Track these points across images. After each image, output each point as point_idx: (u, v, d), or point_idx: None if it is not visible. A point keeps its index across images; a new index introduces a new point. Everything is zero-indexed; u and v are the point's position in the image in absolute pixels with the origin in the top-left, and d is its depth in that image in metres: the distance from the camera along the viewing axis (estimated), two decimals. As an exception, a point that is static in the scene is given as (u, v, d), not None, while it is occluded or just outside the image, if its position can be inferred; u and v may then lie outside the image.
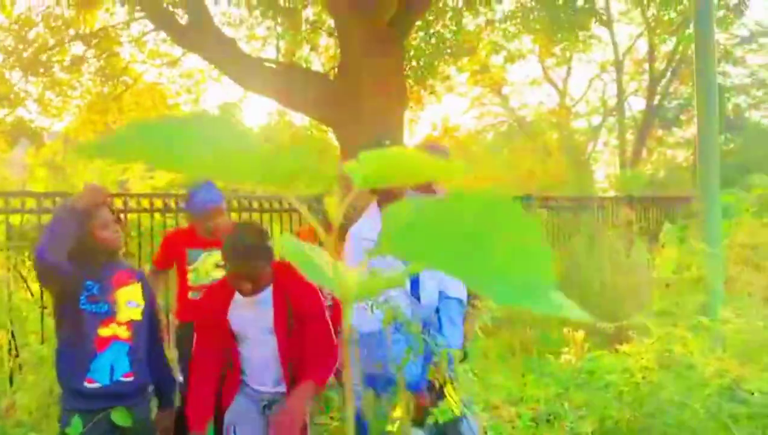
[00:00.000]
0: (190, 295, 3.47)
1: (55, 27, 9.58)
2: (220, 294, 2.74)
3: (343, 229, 2.99)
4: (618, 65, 19.25)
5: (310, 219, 0.44)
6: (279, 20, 10.12)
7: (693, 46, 5.84)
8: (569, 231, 7.93)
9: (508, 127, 21.38)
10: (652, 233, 8.04)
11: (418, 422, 2.59)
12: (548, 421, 3.35)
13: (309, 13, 10.06)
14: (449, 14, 9.61)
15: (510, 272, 0.34)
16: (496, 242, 0.34)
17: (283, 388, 2.74)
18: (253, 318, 2.69)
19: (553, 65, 19.32)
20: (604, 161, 22.40)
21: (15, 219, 4.78)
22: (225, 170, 0.41)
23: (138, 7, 8.57)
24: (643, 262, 6.33)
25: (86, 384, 2.49)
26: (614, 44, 18.84)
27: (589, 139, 21.17)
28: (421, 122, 25.74)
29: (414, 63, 9.92)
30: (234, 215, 6.12)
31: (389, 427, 2.58)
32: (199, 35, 7.89)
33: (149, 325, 2.70)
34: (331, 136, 10.67)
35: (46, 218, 4.62)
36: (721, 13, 11.60)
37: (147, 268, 4.15)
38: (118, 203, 5.97)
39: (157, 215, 6.05)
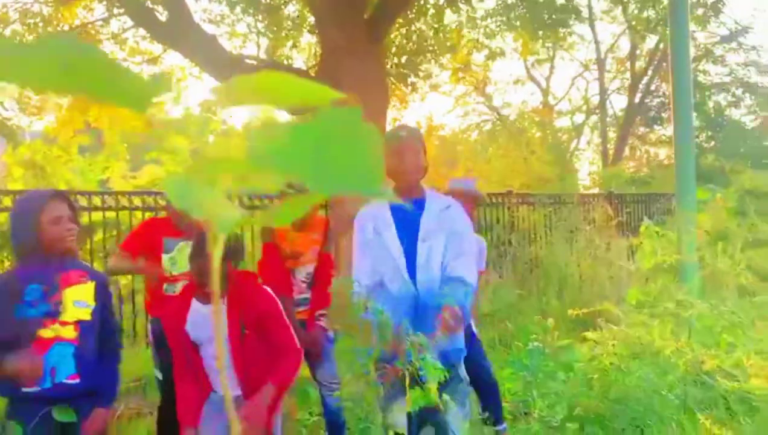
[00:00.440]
0: (165, 287, 3.48)
1: (32, 24, 9.47)
2: (178, 305, 2.75)
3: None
4: (600, 64, 19.39)
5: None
6: (260, 17, 10.08)
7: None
8: (550, 226, 7.99)
9: (492, 125, 21.46)
10: (632, 229, 8.12)
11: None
12: (526, 413, 3.38)
13: (291, 10, 10.04)
14: (431, 11, 9.63)
15: (351, 167, 0.40)
16: (342, 147, 0.40)
17: (238, 392, 2.76)
18: (207, 325, 2.70)
19: (536, 63, 19.41)
20: (587, 159, 22.57)
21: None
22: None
23: (117, 4, 8.51)
24: (621, 256, 6.40)
25: (25, 388, 2.34)
26: (596, 43, 18.99)
27: (571, 137, 21.31)
28: (405, 121, 25.72)
29: (396, 61, 9.93)
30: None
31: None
32: (179, 32, 7.84)
33: (101, 327, 2.58)
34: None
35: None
36: (700, 11, 11.73)
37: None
38: (98, 202, 5.96)
39: (137, 213, 6.04)
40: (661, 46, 16.56)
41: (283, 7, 9.74)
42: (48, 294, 2.41)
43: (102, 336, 2.59)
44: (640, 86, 18.53)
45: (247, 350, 2.73)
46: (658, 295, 2.70)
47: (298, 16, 10.00)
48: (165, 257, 3.49)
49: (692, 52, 17.16)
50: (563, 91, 21.57)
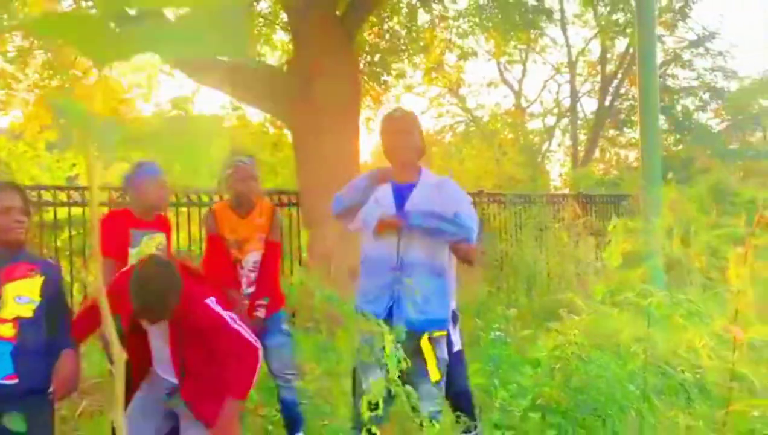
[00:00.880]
0: None
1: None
2: (123, 286, 2.62)
3: None
4: (572, 67, 19.62)
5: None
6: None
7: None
8: (520, 224, 8.07)
9: (466, 127, 21.58)
10: (600, 228, 8.24)
11: None
12: (501, 408, 3.40)
13: (263, 6, 9.97)
14: (404, 10, 9.65)
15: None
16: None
17: (175, 381, 2.75)
18: (156, 329, 2.69)
19: (508, 63, 19.56)
20: (558, 161, 22.81)
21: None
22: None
23: (85, -4, 8.37)
24: (589, 254, 6.49)
25: None
26: (568, 46, 19.20)
27: (543, 139, 21.52)
28: (379, 122, 25.68)
29: (369, 59, 9.93)
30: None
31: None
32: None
33: (48, 323, 2.48)
34: (287, 133, 10.60)
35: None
36: (669, 16, 11.95)
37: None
38: (64, 197, 5.85)
39: (104, 209, 5.93)
40: (631, 50, 16.82)
41: (255, 3, 9.67)
42: None
43: (51, 332, 2.48)
44: (610, 89, 18.79)
45: (187, 351, 2.69)
46: (621, 286, 2.74)
47: (270, 13, 9.94)
48: (132, 252, 3.42)
49: (661, 56, 17.48)
50: (535, 94, 21.77)
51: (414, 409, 2.20)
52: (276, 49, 10.81)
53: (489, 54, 15.21)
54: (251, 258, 3.67)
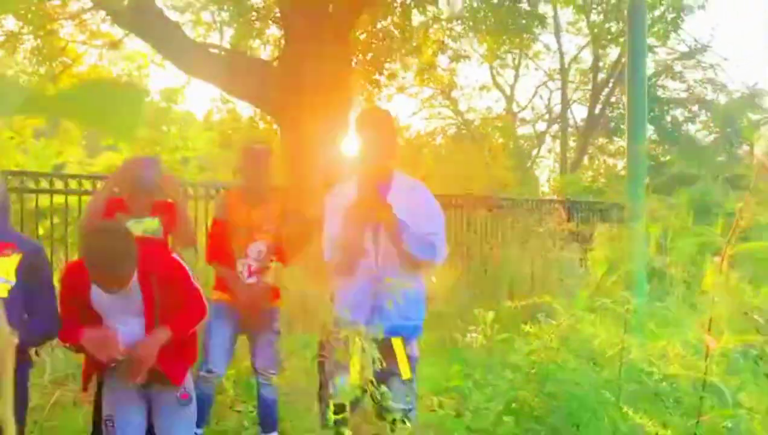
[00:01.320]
0: None
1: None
2: (79, 277, 2.57)
3: None
4: (564, 74, 19.70)
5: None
6: (225, 7, 9.95)
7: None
8: (506, 229, 8.08)
9: (456, 129, 21.61)
10: (586, 235, 8.27)
11: None
12: (475, 410, 3.39)
13: (257, 0, 9.92)
14: (397, 10, 9.64)
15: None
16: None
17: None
18: (118, 305, 2.60)
19: (499, 67, 19.62)
20: (547, 167, 22.90)
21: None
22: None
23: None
24: (573, 259, 6.51)
25: None
26: (561, 53, 19.29)
27: (533, 144, 21.60)
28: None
29: (361, 57, 9.91)
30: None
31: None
32: (142, 17, 7.67)
33: (26, 304, 2.43)
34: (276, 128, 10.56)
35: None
36: (661, 26, 12.02)
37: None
38: (46, 185, 5.78)
39: (87, 199, 5.86)
40: (623, 59, 16.89)
41: (249, -3, 9.64)
42: None
43: (31, 313, 2.45)
44: (601, 97, 18.88)
45: (161, 321, 2.66)
46: (602, 292, 2.74)
47: (263, 7, 9.89)
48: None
49: (652, 67, 17.58)
50: (527, 99, 21.84)
51: (386, 408, 2.19)
52: (268, 43, 10.76)
53: (482, 58, 15.24)
54: (256, 247, 3.66)
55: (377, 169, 2.85)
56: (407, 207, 2.77)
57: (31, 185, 5.70)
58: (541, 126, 21.72)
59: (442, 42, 11.18)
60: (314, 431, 2.28)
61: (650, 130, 17.21)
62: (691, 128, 19.92)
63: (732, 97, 19.18)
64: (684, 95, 19.56)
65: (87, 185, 5.94)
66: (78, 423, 3.87)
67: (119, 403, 2.72)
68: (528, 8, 9.43)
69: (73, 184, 5.96)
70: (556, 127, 21.36)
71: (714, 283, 1.68)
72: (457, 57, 11.57)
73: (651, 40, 13.87)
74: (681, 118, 19.80)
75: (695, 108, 19.65)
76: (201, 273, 4.02)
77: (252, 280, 3.65)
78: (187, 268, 2.75)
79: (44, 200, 6.03)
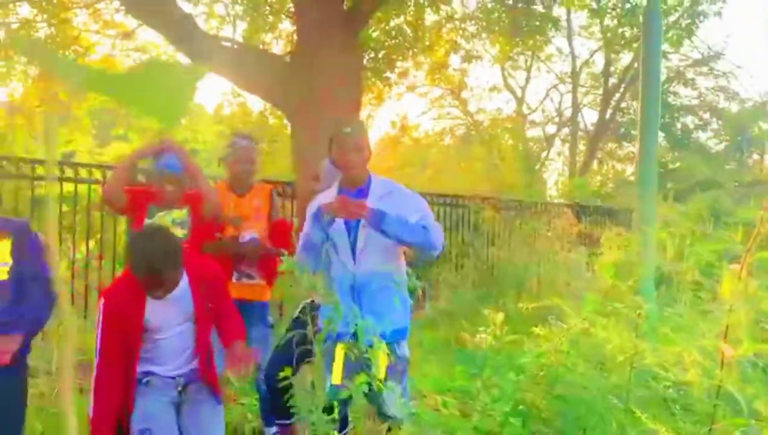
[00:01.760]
0: None
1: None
2: (131, 295, 2.63)
3: None
4: (575, 77, 19.63)
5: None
6: (239, 0, 9.95)
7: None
8: (513, 230, 8.07)
9: (466, 130, 21.57)
10: (594, 239, 8.25)
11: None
12: (482, 411, 3.38)
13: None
14: (410, 8, 9.62)
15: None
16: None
17: (195, 365, 2.78)
18: (172, 312, 2.68)
19: (511, 68, 19.56)
20: (555, 170, 22.84)
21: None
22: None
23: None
24: (581, 263, 6.49)
25: None
26: (573, 57, 19.21)
27: (542, 147, 21.53)
28: (379, 119, 25.76)
29: (372, 55, 9.90)
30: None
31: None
32: (155, 7, 7.68)
33: (20, 284, 2.41)
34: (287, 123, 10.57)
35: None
36: (674, 32, 11.97)
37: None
38: (70, 173, 5.79)
39: (98, 188, 5.88)
40: (636, 64, 16.83)
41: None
42: None
43: (28, 295, 2.42)
44: (612, 102, 18.81)
45: (209, 325, 2.80)
46: (611, 297, 2.72)
47: (276, 1, 9.89)
48: (146, 221, 3.45)
49: (664, 73, 17.50)
50: (537, 102, 21.76)
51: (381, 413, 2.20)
52: (280, 38, 10.76)
53: (494, 59, 15.20)
54: (247, 236, 3.67)
55: (356, 176, 2.96)
56: (389, 206, 2.83)
57: (41, 172, 5.72)
58: (551, 129, 21.67)
59: (455, 42, 11.16)
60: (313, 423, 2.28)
61: (660, 137, 17.13)
62: (702, 136, 19.85)
63: (744, 106, 19.09)
64: (695, 102, 19.47)
65: (97, 175, 5.96)
66: (83, 410, 3.88)
67: (155, 415, 2.71)
68: (542, 10, 9.40)
69: (83, 173, 5.98)
70: (565, 130, 21.30)
71: (732, 290, 1.66)
72: (469, 57, 11.55)
73: (664, 46, 13.80)
74: (692, 126, 19.72)
75: (707, 115, 19.56)
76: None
77: (243, 268, 3.67)
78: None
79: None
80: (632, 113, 18.26)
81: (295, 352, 2.58)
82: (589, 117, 21.26)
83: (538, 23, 9.67)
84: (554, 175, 22.64)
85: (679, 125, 19.47)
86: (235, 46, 9.29)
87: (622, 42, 13.62)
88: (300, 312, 3.51)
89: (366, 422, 3.46)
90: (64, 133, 12.51)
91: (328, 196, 2.97)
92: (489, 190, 14.07)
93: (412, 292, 2.93)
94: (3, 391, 2.37)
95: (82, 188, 6.07)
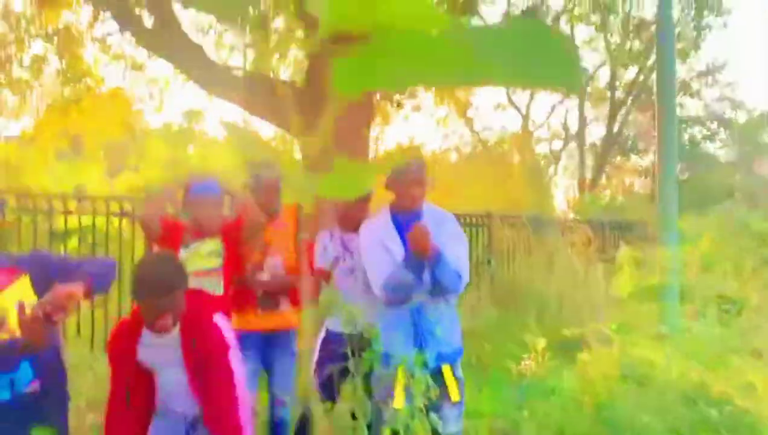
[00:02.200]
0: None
1: (14, 23, 9.31)
2: (127, 331, 2.60)
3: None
4: (581, 92, 19.67)
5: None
6: (248, 28, 10.04)
7: (654, 75, 6.02)
8: (529, 247, 8.03)
9: (472, 148, 21.62)
10: (610, 255, 8.19)
11: None
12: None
13: (278, 24, 10.02)
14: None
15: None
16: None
17: (195, 410, 2.67)
18: (163, 353, 2.59)
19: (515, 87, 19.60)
20: (564, 186, 22.81)
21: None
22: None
23: (103, 7, 8.41)
24: (598, 279, 6.44)
25: None
26: (577, 71, 19.25)
27: (549, 163, 21.54)
28: (386, 140, 25.84)
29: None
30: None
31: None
32: (165, 39, 7.77)
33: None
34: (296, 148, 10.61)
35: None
36: (681, 45, 11.99)
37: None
38: (73, 206, 5.81)
39: (114, 220, 5.89)
40: (641, 77, 16.88)
41: (271, 20, 9.72)
42: None
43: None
44: (618, 116, 18.83)
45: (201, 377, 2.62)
46: (641, 317, 2.69)
47: (285, 29, 9.98)
48: (182, 251, 3.36)
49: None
50: (543, 118, 21.79)
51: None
52: (290, 65, 10.85)
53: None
54: (272, 262, 3.63)
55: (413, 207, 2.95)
56: (439, 234, 2.82)
57: (58, 207, 5.74)
58: (557, 144, 21.69)
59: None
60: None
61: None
62: (710, 146, 19.82)
63: (752, 115, 19.08)
64: (701, 113, 19.48)
65: (114, 207, 5.97)
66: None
67: None
68: (549, 25, 9.44)
69: (99, 205, 5.99)
70: (572, 145, 21.31)
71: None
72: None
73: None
74: (699, 136, 19.70)
75: (714, 126, 19.54)
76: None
77: (271, 300, 3.62)
78: (228, 344, 2.66)
79: (71, 222, 6.08)
80: (640, 127, 18.28)
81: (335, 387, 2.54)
82: (596, 131, 21.26)
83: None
84: (562, 191, 22.63)
85: (686, 136, 19.46)
86: (245, 74, 9.37)
87: (629, 56, 13.65)
88: (323, 343, 3.51)
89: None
90: (79, 166, 12.60)
91: (380, 222, 2.98)
92: (497, 208, 14.05)
93: None
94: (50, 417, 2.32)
95: (100, 220, 6.08)
